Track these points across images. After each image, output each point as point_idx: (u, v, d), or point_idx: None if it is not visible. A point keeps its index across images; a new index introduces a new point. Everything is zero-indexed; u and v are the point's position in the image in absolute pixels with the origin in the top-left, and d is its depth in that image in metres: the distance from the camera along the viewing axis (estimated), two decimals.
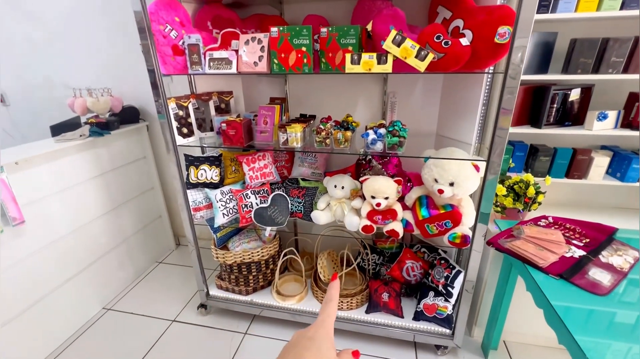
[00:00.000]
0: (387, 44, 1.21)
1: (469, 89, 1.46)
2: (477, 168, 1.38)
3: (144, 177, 2.31)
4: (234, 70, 1.41)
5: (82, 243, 1.87)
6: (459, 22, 1.26)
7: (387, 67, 1.24)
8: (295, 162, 1.86)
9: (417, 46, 1.18)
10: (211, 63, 1.42)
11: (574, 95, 1.50)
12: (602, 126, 1.47)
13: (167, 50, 1.40)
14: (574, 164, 1.56)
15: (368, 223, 1.56)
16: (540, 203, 1.52)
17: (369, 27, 1.39)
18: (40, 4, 2.14)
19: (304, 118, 1.72)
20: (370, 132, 1.41)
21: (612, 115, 1.46)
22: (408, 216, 1.57)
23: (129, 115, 2.18)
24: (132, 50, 2.09)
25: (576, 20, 1.41)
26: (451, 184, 1.40)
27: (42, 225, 1.64)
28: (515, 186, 1.55)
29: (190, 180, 1.69)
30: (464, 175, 1.37)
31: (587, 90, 1.52)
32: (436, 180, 1.43)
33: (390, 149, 1.39)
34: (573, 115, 1.55)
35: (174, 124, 1.53)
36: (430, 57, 1.18)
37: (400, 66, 1.24)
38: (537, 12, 1.34)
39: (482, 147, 1.53)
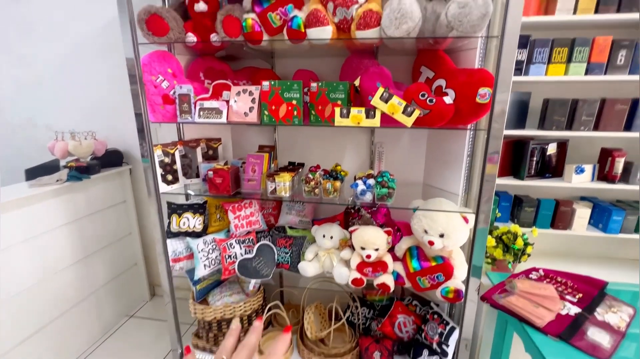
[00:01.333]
0: (375, 100, 1.25)
1: (453, 142, 1.52)
2: (465, 220, 1.38)
3: (122, 222, 2.20)
4: (223, 120, 1.42)
5: (47, 296, 1.70)
6: (442, 82, 1.34)
7: (376, 122, 1.28)
8: (282, 209, 1.82)
9: (404, 103, 1.23)
10: (201, 113, 1.43)
11: (551, 149, 1.58)
12: (581, 179, 1.53)
13: (157, 99, 1.40)
14: (558, 215, 1.59)
15: (358, 275, 1.50)
16: (529, 255, 1.51)
17: (357, 82, 1.46)
18: (33, 48, 2.16)
19: (293, 167, 1.71)
20: (359, 182, 1.41)
21: (588, 168, 1.53)
22: (399, 268, 1.52)
23: (111, 159, 2.12)
24: (121, 94, 2.09)
25: (547, 83, 1.53)
26: (441, 235, 1.39)
27: (5, 276, 1.49)
28: (503, 237, 1.55)
29: (172, 229, 1.61)
30: (452, 226, 1.37)
31: (562, 145, 1.60)
32: (426, 231, 1.42)
33: (380, 200, 1.38)
34: (552, 168, 1.62)
35: (159, 171, 1.49)
36: (417, 113, 1.23)
37: (388, 120, 1.28)
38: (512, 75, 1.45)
39: (469, 197, 1.55)
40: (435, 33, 1.25)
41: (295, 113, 1.34)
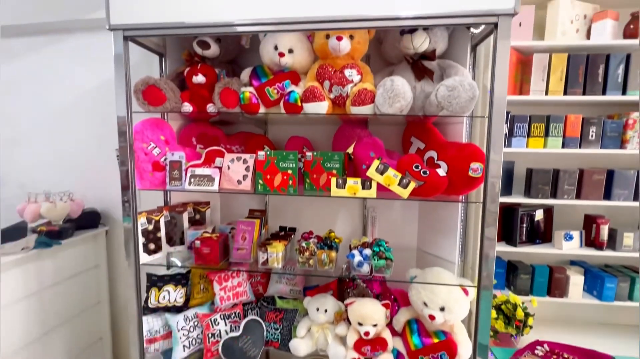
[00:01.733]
0: (371, 172, 1.26)
1: (446, 209, 1.53)
2: (465, 292, 1.33)
3: (91, 290, 1.98)
4: (215, 188, 1.38)
5: None
6: (433, 154, 1.39)
7: (372, 193, 1.27)
8: (272, 278, 1.71)
9: (400, 175, 1.25)
10: (192, 180, 1.39)
11: (539, 215, 1.62)
12: (570, 245, 1.56)
13: (146, 167, 1.36)
14: (553, 282, 1.58)
15: (356, 355, 1.37)
16: (531, 327, 1.46)
17: (350, 150, 1.48)
18: (18, 107, 2.11)
19: (284, 233, 1.65)
20: (356, 252, 1.36)
21: (575, 234, 1.57)
22: (399, 345, 1.42)
23: (87, 221, 1.98)
24: (105, 152, 2.02)
25: (528, 154, 1.62)
26: (442, 309, 1.32)
27: None
28: (502, 307, 1.50)
29: (149, 304, 1.45)
30: (454, 299, 1.32)
31: (548, 211, 1.65)
32: (425, 304, 1.35)
33: (378, 272, 1.33)
34: (541, 233, 1.64)
35: (140, 241, 1.39)
36: (412, 185, 1.24)
37: (382, 190, 1.28)
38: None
39: (466, 265, 1.52)
40: (425, 110, 1.33)
41: (290, 182, 1.32)
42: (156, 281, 1.47)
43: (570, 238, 1.55)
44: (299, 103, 1.30)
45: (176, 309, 1.50)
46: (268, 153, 1.32)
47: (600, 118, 1.51)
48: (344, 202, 1.78)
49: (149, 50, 1.52)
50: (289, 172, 1.32)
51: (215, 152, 1.47)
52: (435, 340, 1.34)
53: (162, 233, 1.50)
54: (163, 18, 1.21)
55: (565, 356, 1.33)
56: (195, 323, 1.48)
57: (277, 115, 1.63)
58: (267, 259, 1.38)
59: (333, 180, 1.29)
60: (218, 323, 1.48)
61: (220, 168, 1.42)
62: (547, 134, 1.52)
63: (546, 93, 1.50)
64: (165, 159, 1.39)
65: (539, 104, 1.59)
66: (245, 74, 1.41)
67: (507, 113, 1.54)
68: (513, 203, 1.64)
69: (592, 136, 1.50)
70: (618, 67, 1.47)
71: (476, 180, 1.23)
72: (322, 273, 1.36)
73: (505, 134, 1.53)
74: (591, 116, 1.51)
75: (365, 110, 1.27)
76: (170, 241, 1.56)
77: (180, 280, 1.52)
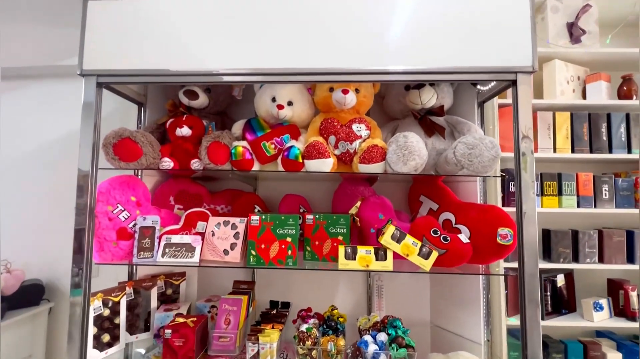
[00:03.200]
0: (386, 240, 1.08)
1: (465, 277, 1.34)
2: None
3: None
4: (195, 259, 1.13)
5: None
6: (449, 216, 1.24)
7: (388, 265, 1.07)
8: None
9: (419, 243, 1.07)
10: (167, 250, 1.13)
11: (560, 281, 1.47)
12: (601, 316, 1.39)
13: (109, 235, 1.09)
14: None
15: None
16: None
17: (353, 210, 1.30)
18: None
19: (276, 311, 1.37)
20: (368, 339, 1.11)
21: (604, 303, 1.41)
22: None
23: (27, 297, 1.59)
24: (60, 213, 1.71)
25: (542, 214, 1.51)
26: None
27: None
28: None
29: None
30: None
31: (568, 276, 1.51)
32: None
33: None
34: (565, 301, 1.47)
35: (92, 332, 1.07)
36: (435, 255, 1.06)
37: (397, 259, 1.09)
38: (509, 206, 1.42)
39: (493, 346, 1.29)
40: (438, 168, 1.21)
41: (289, 252, 1.10)
42: None
43: (601, 308, 1.38)
44: (300, 160, 1.14)
45: None
46: (263, 217, 1.11)
47: (611, 177, 1.46)
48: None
49: (127, 99, 1.35)
50: (288, 239, 1.11)
51: (198, 214, 1.24)
52: None
53: (122, 319, 1.18)
54: (144, 64, 1.07)
55: None
56: None
57: (270, 172, 1.46)
58: (257, 352, 1.09)
59: (341, 250, 1.08)
60: None
61: (202, 235, 1.18)
62: (560, 193, 1.44)
63: (554, 151, 1.45)
64: (134, 225, 1.14)
65: (548, 161, 1.53)
66: (238, 127, 1.25)
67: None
68: None
69: (605, 194, 1.43)
70: (620, 126, 1.46)
71: (506, 248, 1.07)
72: None
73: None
74: (599, 173, 1.47)
75: (375, 168, 1.12)
76: (132, 327, 1.24)
77: None
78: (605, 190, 1.43)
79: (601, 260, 1.42)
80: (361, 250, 1.08)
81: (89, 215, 1.04)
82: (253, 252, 1.10)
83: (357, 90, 1.20)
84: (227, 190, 1.50)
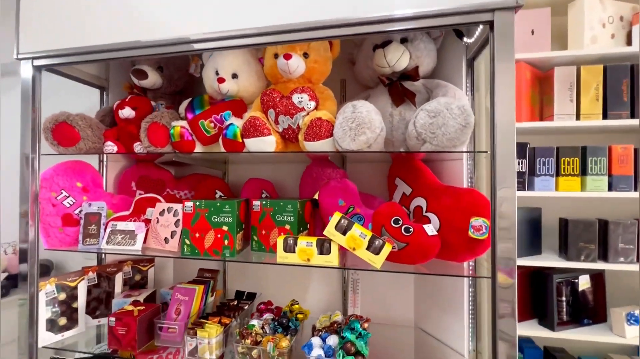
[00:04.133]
0: (330, 231, 0.91)
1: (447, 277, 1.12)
2: None
3: None
4: (137, 247, 1.07)
5: None
6: (421, 202, 1.02)
7: (332, 259, 0.91)
8: None
9: (369, 235, 0.89)
10: (111, 237, 1.10)
11: (584, 283, 1.16)
12: (637, 331, 1.07)
13: (54, 221, 1.09)
14: None
15: None
16: None
17: (317, 196, 1.15)
18: None
19: (239, 302, 1.29)
20: (315, 341, 0.97)
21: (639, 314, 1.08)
22: None
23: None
24: None
25: (559, 199, 1.20)
26: None
27: None
28: None
29: None
30: None
31: (597, 277, 1.19)
32: None
33: None
34: (590, 309, 1.17)
35: (43, 316, 1.08)
36: (388, 248, 0.87)
37: (353, 257, 0.92)
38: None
39: (480, 357, 1.07)
40: (407, 143, 0.99)
41: (226, 242, 0.99)
42: None
43: (637, 321, 1.06)
44: (239, 139, 1.01)
45: None
46: (197, 204, 1.01)
47: None
48: None
49: (87, 84, 1.33)
50: (225, 228, 1.00)
51: (148, 200, 1.19)
52: None
53: (81, 303, 1.19)
54: (85, 41, 1.00)
55: None
56: None
57: (236, 154, 1.36)
58: (195, 347, 1.01)
59: (279, 241, 0.95)
60: None
61: (147, 222, 1.13)
62: (584, 172, 1.11)
63: (577, 118, 1.12)
64: (80, 211, 1.12)
65: (568, 132, 1.20)
66: (183, 106, 1.15)
67: (525, 145, 1.16)
68: (543, 267, 1.20)
69: None
70: None
71: (479, 244, 0.84)
72: None
73: (524, 172, 1.14)
74: None
75: (322, 146, 0.95)
76: (95, 312, 1.25)
77: None
78: None
79: None
80: (302, 242, 0.93)
81: (34, 202, 1.04)
82: (187, 241, 1.01)
83: (305, 55, 1.02)
84: (193, 175, 1.43)
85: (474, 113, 0.91)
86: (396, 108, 1.03)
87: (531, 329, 1.13)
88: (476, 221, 0.83)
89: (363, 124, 0.88)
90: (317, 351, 0.94)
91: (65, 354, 1.18)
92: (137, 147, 1.11)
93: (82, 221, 1.11)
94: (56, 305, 1.13)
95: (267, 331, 1.07)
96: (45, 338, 1.09)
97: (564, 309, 1.13)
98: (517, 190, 1.13)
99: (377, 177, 1.31)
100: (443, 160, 1.14)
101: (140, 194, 1.34)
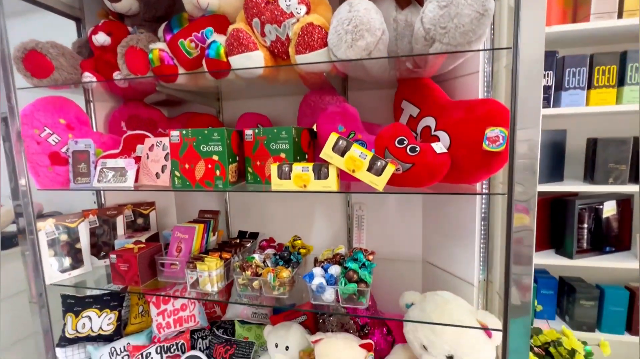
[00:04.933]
0: (327, 152, 0.83)
1: (458, 204, 1.05)
2: (488, 333, 0.86)
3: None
4: (129, 183, 1.02)
5: None
6: (430, 121, 0.91)
7: (330, 184, 0.84)
8: (232, 295, 1.34)
9: (370, 155, 0.80)
10: (102, 175, 1.05)
11: (609, 209, 1.07)
12: None
13: (41, 160, 1.04)
14: (636, 312, 1.03)
15: None
16: None
17: (315, 126, 1.06)
18: None
19: (241, 240, 1.27)
20: (317, 271, 0.94)
21: None
22: None
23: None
24: None
25: (589, 116, 1.07)
26: (449, 357, 0.86)
27: None
28: (551, 350, 0.99)
29: (67, 335, 1.15)
30: (468, 345, 0.85)
31: (624, 203, 1.09)
32: (425, 348, 0.90)
33: (347, 301, 0.89)
34: (613, 237, 1.09)
35: (46, 253, 1.08)
36: (391, 169, 0.79)
37: (350, 178, 0.84)
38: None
39: (491, 288, 1.03)
40: (414, 48, 0.86)
41: (217, 173, 0.93)
42: (72, 306, 1.16)
43: None
44: (224, 58, 0.90)
45: (104, 339, 1.18)
46: (184, 133, 0.93)
47: None
48: (322, 199, 1.35)
49: (61, 15, 1.21)
50: (215, 158, 0.93)
51: (136, 137, 1.12)
52: None
53: (84, 244, 1.19)
54: None
55: None
56: (125, 358, 1.16)
57: (229, 88, 1.25)
58: (197, 280, 1.00)
59: (273, 168, 0.87)
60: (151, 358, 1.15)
61: (138, 159, 1.07)
62: (622, 83, 0.96)
63: (619, 17, 0.94)
64: (67, 149, 1.07)
65: (606, 36, 1.02)
66: (161, 29, 1.03)
67: (552, 54, 1.00)
68: (566, 193, 1.10)
69: None
70: None
71: (495, 157, 0.75)
72: (269, 304, 0.96)
73: (550, 87, 1.00)
74: None
75: (315, 57, 0.83)
76: (100, 253, 1.25)
77: (109, 302, 1.20)
78: None
79: None
80: (297, 168, 0.86)
81: (17, 139, 0.99)
82: (177, 173, 0.95)
83: None
84: (184, 114, 1.34)
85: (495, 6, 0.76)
86: (401, 12, 0.88)
87: (547, 258, 1.06)
88: (492, 131, 0.73)
89: (361, 25, 0.75)
90: (318, 279, 0.91)
91: (78, 290, 1.21)
92: (117, 76, 1.02)
93: (70, 160, 1.06)
94: (58, 246, 1.13)
95: (269, 265, 1.04)
96: (53, 276, 1.10)
97: (584, 237, 1.06)
98: (542, 107, 1.01)
99: (382, 105, 1.20)
100: (455, 78, 1.01)
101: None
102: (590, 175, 1.02)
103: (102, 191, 1.34)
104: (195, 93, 1.28)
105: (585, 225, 1.05)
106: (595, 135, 1.03)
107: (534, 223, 0.65)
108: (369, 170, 0.80)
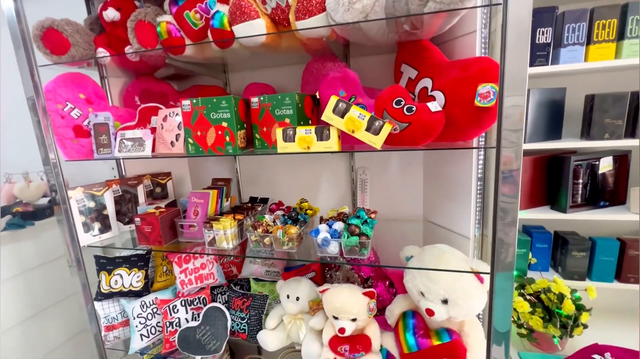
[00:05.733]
0: (327, 114, 0.88)
1: (456, 164, 1.10)
2: (480, 279, 0.94)
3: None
4: (147, 152, 1.11)
5: None
6: (427, 82, 0.95)
7: (331, 144, 0.90)
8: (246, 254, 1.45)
9: (368, 115, 0.85)
10: (122, 145, 1.14)
11: (605, 165, 1.10)
12: None
13: (67, 133, 1.13)
14: (626, 262, 1.09)
15: (331, 356, 1.08)
16: (586, 326, 1.01)
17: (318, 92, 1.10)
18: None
19: (252, 204, 1.36)
20: (322, 227, 1.02)
21: None
22: (390, 343, 1.09)
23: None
24: None
25: (588, 72, 1.07)
26: (444, 301, 0.95)
27: None
28: (542, 297, 1.07)
29: (102, 290, 1.29)
30: (461, 290, 0.93)
31: (622, 158, 1.12)
32: (423, 294, 0.99)
33: (349, 253, 0.98)
34: (608, 192, 1.13)
35: (78, 219, 1.20)
36: (388, 128, 0.84)
37: (353, 141, 0.90)
38: (534, 65, 1.02)
39: (486, 242, 1.10)
40: (409, 9, 0.88)
41: (227, 138, 1.00)
42: (105, 265, 1.29)
43: None
44: (228, 27, 0.94)
45: (135, 294, 1.32)
46: (194, 102, 0.99)
47: None
48: (327, 164, 1.42)
49: None
50: (224, 124, 0.99)
51: (150, 109, 1.19)
52: (436, 342, 0.98)
53: (110, 211, 1.30)
54: None
55: None
56: (154, 310, 1.30)
57: (233, 59, 1.30)
58: (213, 238, 1.10)
59: (279, 132, 0.94)
60: (177, 311, 1.28)
61: (153, 129, 1.15)
62: (621, 37, 0.96)
63: None
64: (88, 122, 1.15)
65: None
66: (167, 1, 1.07)
67: (553, 9, 1.00)
68: (564, 150, 1.13)
69: None
70: None
71: (486, 112, 0.79)
72: (280, 256, 1.05)
73: (549, 44, 1.01)
74: None
75: (314, 22, 0.87)
76: (125, 219, 1.37)
77: (136, 262, 1.33)
78: None
79: None
80: (300, 130, 0.92)
81: (43, 114, 1.07)
82: (190, 140, 1.03)
83: None
84: (193, 87, 1.40)
85: None
86: None
87: (542, 214, 1.12)
88: (483, 87, 0.76)
89: None
90: (323, 234, 0.99)
91: (107, 252, 1.35)
92: (129, 50, 1.08)
93: (92, 132, 1.15)
94: (87, 213, 1.24)
95: (278, 224, 1.13)
96: (86, 239, 1.22)
97: (579, 193, 1.10)
98: (540, 65, 1.02)
99: (383, 70, 1.23)
100: (453, 39, 1.02)
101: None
102: (587, 131, 1.05)
103: (122, 163, 1.44)
104: (203, 66, 1.32)
105: (581, 181, 1.09)
106: (593, 92, 1.04)
107: (520, 164, 0.70)
108: (367, 130, 0.86)
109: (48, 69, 1.13)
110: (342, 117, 0.87)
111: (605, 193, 1.12)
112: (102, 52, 1.09)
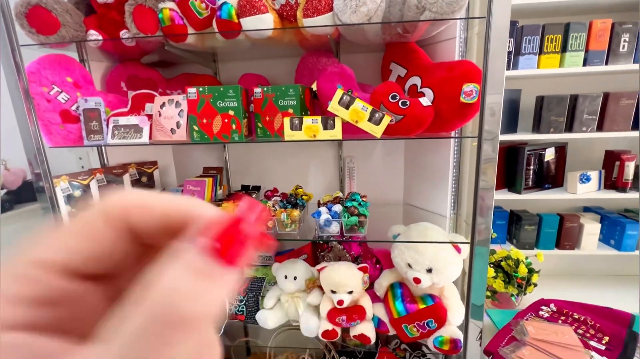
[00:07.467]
0: (333, 106, 0.97)
1: (435, 152, 1.25)
2: (457, 249, 1.10)
3: None
4: (145, 139, 1.10)
5: None
6: (416, 80, 1.08)
7: (336, 133, 0.99)
8: None
9: (370, 107, 0.96)
10: (116, 132, 1.11)
11: (549, 155, 1.34)
12: (586, 189, 1.29)
13: (53, 117, 1.07)
14: (564, 232, 1.34)
15: (330, 326, 1.19)
16: (536, 285, 1.25)
17: (315, 86, 1.18)
18: None
19: (245, 192, 1.40)
20: (323, 210, 1.12)
21: (594, 176, 1.30)
22: (380, 312, 1.22)
23: (31, 193, 1.74)
24: None
25: (539, 77, 1.30)
26: (429, 270, 1.11)
27: None
28: (503, 264, 1.28)
29: None
30: (443, 259, 1.09)
31: (561, 149, 1.37)
32: (410, 266, 1.13)
33: (349, 231, 1.09)
34: (551, 177, 1.37)
35: (65, 209, 1.15)
36: (387, 120, 0.96)
37: (354, 131, 1.00)
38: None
39: (459, 219, 1.28)
40: (405, 16, 1.00)
41: (233, 126, 1.04)
42: None
43: (587, 179, 1.28)
44: (235, 19, 0.98)
45: None
46: (200, 90, 1.02)
47: (636, 24, 1.16)
48: (316, 153, 1.51)
49: None
50: (231, 112, 1.03)
51: (144, 95, 1.17)
52: (422, 306, 1.14)
53: (97, 199, 1.26)
54: None
55: (576, 316, 1.13)
56: None
57: (227, 49, 1.32)
58: None
59: (286, 121, 1.00)
60: None
61: (150, 116, 1.14)
62: (564, 49, 1.19)
63: None
64: (77, 107, 1.11)
65: (555, 9, 1.22)
66: None
67: (514, 23, 1.19)
68: (518, 142, 1.35)
69: (623, 47, 1.17)
70: None
71: (469, 107, 0.94)
72: (284, 237, 1.13)
73: (511, 52, 1.20)
74: (626, 20, 1.16)
75: (321, 21, 0.95)
76: None
77: None
78: (624, 41, 1.16)
79: (600, 128, 1.25)
80: (307, 120, 1.00)
81: (26, 97, 1.01)
82: (195, 127, 1.05)
83: None
84: (183, 75, 1.39)
85: None
86: None
87: (501, 195, 1.33)
88: (467, 87, 0.91)
89: None
90: (324, 216, 1.09)
91: None
92: (125, 35, 1.06)
93: (81, 118, 1.10)
94: (74, 202, 1.19)
95: (276, 208, 1.20)
96: None
97: (530, 177, 1.33)
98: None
99: (370, 67, 1.34)
100: (436, 43, 1.17)
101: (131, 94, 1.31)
102: (537, 126, 1.27)
103: (104, 151, 1.38)
104: (195, 54, 1.32)
105: (531, 167, 1.32)
106: (543, 94, 1.27)
107: (497, 151, 0.86)
108: (369, 120, 0.97)
109: (28, 49, 1.06)
110: (347, 108, 0.97)
111: (549, 177, 1.36)
112: (94, 34, 1.05)
